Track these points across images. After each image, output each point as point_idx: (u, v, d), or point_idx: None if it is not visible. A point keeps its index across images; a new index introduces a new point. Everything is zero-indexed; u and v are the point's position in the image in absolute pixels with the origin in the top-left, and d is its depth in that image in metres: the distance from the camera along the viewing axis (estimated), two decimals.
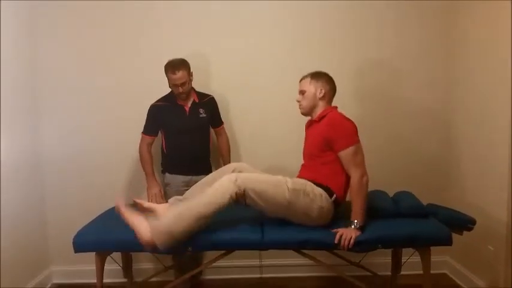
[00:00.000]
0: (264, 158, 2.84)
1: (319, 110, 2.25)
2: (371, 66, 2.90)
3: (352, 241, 1.98)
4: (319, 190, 2.12)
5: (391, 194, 2.42)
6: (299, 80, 2.31)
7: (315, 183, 2.14)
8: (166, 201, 2.37)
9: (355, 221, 2.03)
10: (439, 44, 2.89)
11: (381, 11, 2.85)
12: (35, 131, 2.85)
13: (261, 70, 2.87)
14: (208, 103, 2.69)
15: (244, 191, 2.00)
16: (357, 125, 2.17)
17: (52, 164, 2.91)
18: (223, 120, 2.80)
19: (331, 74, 2.29)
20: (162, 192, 2.65)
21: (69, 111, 2.90)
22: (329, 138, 2.14)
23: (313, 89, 2.25)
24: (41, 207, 2.90)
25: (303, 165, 2.32)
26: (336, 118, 2.17)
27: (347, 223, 2.05)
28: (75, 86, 2.88)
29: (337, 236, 2.00)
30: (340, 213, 2.17)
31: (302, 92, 2.27)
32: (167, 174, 2.68)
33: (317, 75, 2.27)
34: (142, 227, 1.95)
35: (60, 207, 2.93)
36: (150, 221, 1.98)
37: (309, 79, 2.27)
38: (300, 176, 2.25)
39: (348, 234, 1.99)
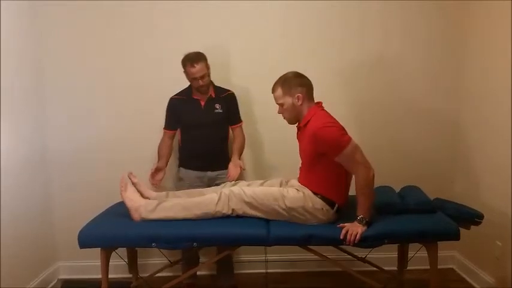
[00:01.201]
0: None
1: (303, 114, 2.15)
2: (376, 65, 2.87)
3: (358, 236, 1.96)
4: (319, 203, 2.09)
5: (398, 188, 2.40)
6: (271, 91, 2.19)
7: (314, 193, 2.10)
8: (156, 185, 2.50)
9: (361, 216, 2.01)
10: (444, 43, 2.85)
11: (386, 10, 2.81)
12: (41, 126, 2.85)
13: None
14: (225, 99, 2.63)
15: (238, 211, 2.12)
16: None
17: (58, 159, 2.91)
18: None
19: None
20: (160, 175, 2.58)
21: (74, 106, 2.89)
22: (318, 150, 2.07)
23: (290, 99, 2.13)
24: (47, 202, 2.90)
25: (301, 168, 2.27)
26: (317, 129, 2.04)
27: (353, 219, 2.03)
28: (80, 81, 2.87)
29: (343, 232, 1.99)
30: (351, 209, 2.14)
31: (280, 105, 2.17)
32: (181, 169, 2.67)
33: (287, 84, 2.13)
34: (137, 212, 2.14)
35: (67, 203, 2.94)
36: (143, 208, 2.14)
37: (280, 91, 2.14)
38: (300, 179, 2.22)
39: (354, 229, 1.98)
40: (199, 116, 2.58)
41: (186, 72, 2.51)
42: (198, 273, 2.76)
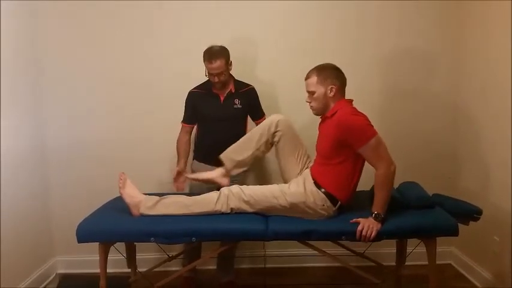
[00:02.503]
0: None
1: (331, 107, 2.14)
2: (373, 51, 2.87)
3: (374, 233, 1.95)
4: (321, 199, 2.08)
5: (396, 184, 2.39)
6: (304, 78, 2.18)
7: (318, 187, 2.10)
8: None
9: (376, 212, 1.98)
10: (446, 28, 2.85)
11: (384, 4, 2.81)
12: (39, 121, 2.84)
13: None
14: (245, 94, 2.57)
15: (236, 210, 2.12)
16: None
17: (56, 154, 2.91)
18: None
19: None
20: (183, 178, 2.52)
21: (73, 101, 2.89)
22: (343, 140, 2.03)
23: (323, 89, 2.11)
24: (45, 197, 2.90)
25: (315, 160, 2.25)
26: (345, 117, 2.04)
27: (354, 213, 2.02)
28: (79, 81, 2.87)
29: (359, 228, 1.97)
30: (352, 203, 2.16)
31: (311, 93, 2.14)
32: (195, 162, 2.66)
33: (324, 73, 2.12)
34: (136, 207, 2.14)
35: (65, 198, 2.94)
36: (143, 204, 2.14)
37: (315, 78, 2.11)
38: (312, 171, 2.19)
39: (370, 228, 1.96)
40: (218, 111, 2.54)
41: (205, 65, 2.45)
42: (200, 267, 2.76)
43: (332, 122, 2.09)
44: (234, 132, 2.55)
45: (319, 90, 2.12)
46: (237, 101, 2.55)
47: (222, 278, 2.76)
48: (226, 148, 2.46)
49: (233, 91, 2.56)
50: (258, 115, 2.65)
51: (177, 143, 2.61)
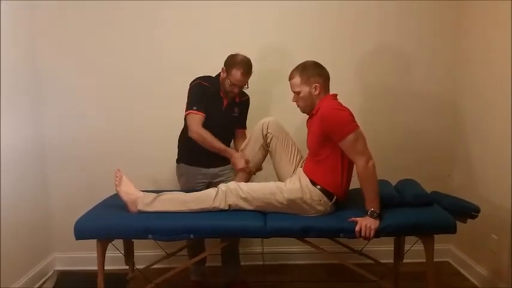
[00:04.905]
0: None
1: (317, 103, 2.15)
2: (372, 51, 2.86)
3: (373, 232, 1.95)
4: (317, 195, 2.08)
5: (394, 182, 2.40)
6: (288, 78, 2.17)
7: (313, 183, 2.10)
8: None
9: (371, 209, 1.99)
10: (443, 28, 2.85)
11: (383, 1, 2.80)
12: (37, 118, 2.85)
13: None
14: (243, 103, 2.54)
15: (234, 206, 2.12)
16: (353, 112, 2.07)
17: (54, 151, 2.92)
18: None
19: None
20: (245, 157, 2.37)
21: (71, 98, 2.90)
22: (325, 132, 2.05)
23: (307, 88, 2.11)
24: (43, 194, 2.90)
25: (306, 158, 2.27)
26: (327, 111, 2.05)
27: (363, 213, 2.01)
28: (77, 73, 2.87)
29: (357, 228, 1.97)
30: (349, 200, 2.16)
31: (297, 93, 2.15)
32: (182, 165, 2.56)
33: (306, 72, 2.12)
34: (134, 204, 2.15)
35: (63, 195, 2.94)
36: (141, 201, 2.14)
37: (298, 79, 2.12)
38: (305, 169, 2.21)
39: (368, 228, 1.96)
40: (218, 117, 2.44)
41: (228, 72, 2.35)
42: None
43: (317, 118, 2.10)
44: (228, 137, 2.55)
45: (304, 89, 2.12)
46: (236, 110, 2.51)
47: (231, 274, 2.72)
48: (216, 152, 2.44)
49: (237, 100, 2.51)
50: (244, 125, 2.59)
51: (208, 139, 2.34)
